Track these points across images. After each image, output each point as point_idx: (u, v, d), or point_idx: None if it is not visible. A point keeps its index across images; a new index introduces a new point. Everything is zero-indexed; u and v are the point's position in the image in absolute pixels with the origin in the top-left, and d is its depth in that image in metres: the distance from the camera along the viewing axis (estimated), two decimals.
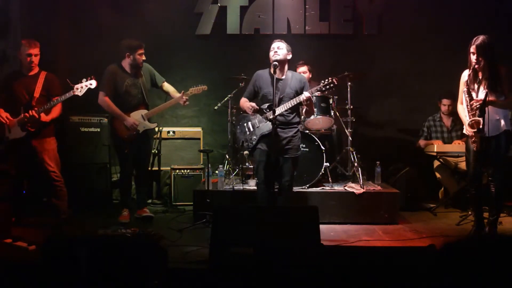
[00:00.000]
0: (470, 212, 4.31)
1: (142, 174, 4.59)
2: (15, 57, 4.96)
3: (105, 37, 5.64)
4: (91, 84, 3.93)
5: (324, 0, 5.93)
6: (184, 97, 4.38)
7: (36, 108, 3.87)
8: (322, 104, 4.65)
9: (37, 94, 3.95)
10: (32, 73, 4.03)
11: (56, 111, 4.00)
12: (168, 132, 5.50)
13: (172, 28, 5.99)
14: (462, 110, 3.84)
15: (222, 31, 6.00)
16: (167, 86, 4.57)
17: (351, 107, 4.99)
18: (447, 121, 5.31)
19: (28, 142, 3.94)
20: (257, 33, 5.99)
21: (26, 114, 3.84)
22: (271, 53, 3.74)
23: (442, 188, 5.27)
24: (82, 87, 3.90)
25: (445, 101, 5.27)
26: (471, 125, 3.64)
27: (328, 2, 5.93)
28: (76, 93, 3.89)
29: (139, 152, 4.46)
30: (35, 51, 3.97)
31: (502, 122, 3.64)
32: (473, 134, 3.63)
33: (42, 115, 3.89)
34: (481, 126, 3.56)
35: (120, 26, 5.69)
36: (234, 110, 5.34)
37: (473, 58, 3.65)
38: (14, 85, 3.98)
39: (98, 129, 5.11)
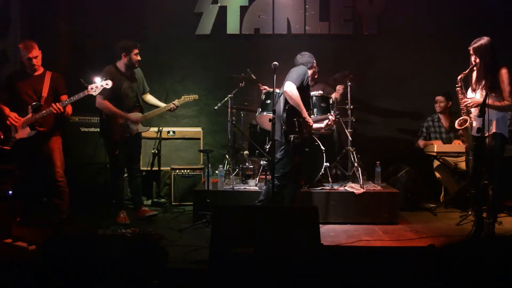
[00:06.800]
0: (470, 212, 4.32)
1: (135, 169, 4.53)
2: (15, 57, 4.96)
3: (105, 37, 5.64)
4: (107, 84, 3.89)
5: (324, 0, 5.94)
6: (174, 105, 4.46)
7: (46, 106, 3.84)
8: (322, 104, 4.63)
9: (45, 93, 3.92)
10: (37, 73, 4.00)
11: (69, 109, 3.98)
12: (168, 132, 5.50)
13: (172, 28, 6.00)
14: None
15: (222, 31, 6.00)
16: (149, 97, 4.62)
17: (351, 107, 4.99)
18: (446, 121, 5.31)
19: (36, 141, 3.91)
20: (257, 33, 5.99)
21: (53, 109, 3.79)
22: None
23: (442, 188, 5.27)
24: (97, 87, 3.85)
25: (437, 98, 5.30)
26: (459, 123, 3.75)
27: (328, 2, 5.94)
28: (90, 93, 3.84)
29: (131, 151, 4.44)
30: (34, 53, 3.91)
31: (494, 124, 3.62)
32: (461, 132, 3.76)
33: (67, 107, 3.89)
34: (468, 125, 3.70)
35: (120, 26, 5.71)
36: (234, 110, 5.33)
37: (472, 59, 3.71)
38: (19, 85, 3.94)
39: (98, 129, 5.09)
